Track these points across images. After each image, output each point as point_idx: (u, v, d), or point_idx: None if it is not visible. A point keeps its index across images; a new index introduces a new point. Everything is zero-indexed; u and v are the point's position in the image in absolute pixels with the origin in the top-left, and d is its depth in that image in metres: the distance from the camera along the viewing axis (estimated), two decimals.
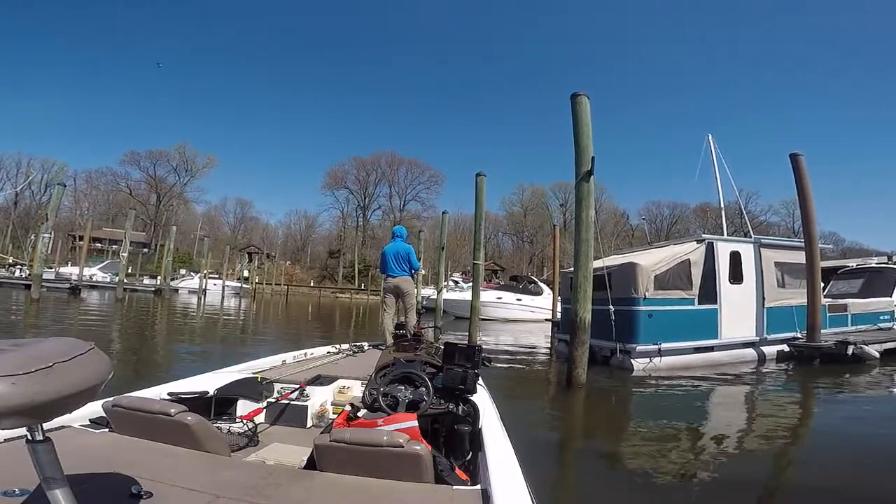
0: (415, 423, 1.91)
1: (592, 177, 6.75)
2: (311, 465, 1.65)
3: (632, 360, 7.98)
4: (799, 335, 9.51)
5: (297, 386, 2.96)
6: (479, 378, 2.93)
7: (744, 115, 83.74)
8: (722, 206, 12.90)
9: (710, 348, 8.74)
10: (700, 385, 7.35)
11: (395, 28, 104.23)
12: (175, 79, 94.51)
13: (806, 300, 9.34)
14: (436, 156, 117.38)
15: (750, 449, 4.50)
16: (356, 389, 3.17)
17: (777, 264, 9.77)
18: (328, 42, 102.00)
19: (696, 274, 8.70)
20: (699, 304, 8.70)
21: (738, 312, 9.06)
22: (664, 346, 8.12)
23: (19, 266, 34.70)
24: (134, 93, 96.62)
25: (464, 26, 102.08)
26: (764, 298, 9.39)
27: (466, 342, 9.23)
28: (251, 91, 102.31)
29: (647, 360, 8.04)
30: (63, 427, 1.79)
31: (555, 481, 3.68)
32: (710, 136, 12.44)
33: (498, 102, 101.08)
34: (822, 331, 9.22)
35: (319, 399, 2.98)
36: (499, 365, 9.35)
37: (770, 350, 9.33)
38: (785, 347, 9.43)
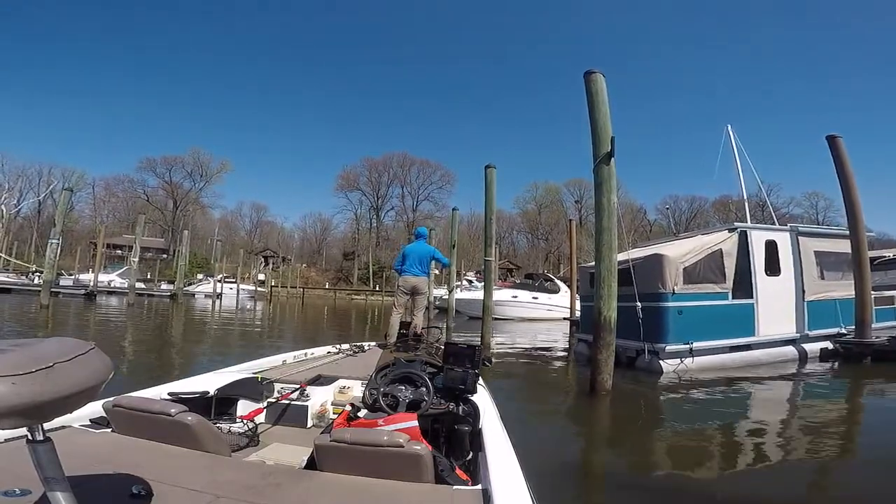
0: (415, 423, 1.90)
1: (613, 159, 6.10)
2: (312, 465, 1.65)
3: (661, 362, 7.28)
4: (844, 331, 8.71)
5: (298, 386, 2.97)
6: (480, 378, 2.91)
7: (754, 112, 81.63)
8: (745, 196, 12.12)
9: (747, 347, 7.99)
10: (737, 388, 6.65)
11: (404, 28, 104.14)
12: (185, 83, 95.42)
13: (850, 293, 8.58)
14: (447, 156, 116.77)
15: (798, 463, 3.87)
16: (356, 389, 3.14)
17: (817, 254, 8.97)
18: (336, 43, 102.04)
19: (730, 265, 7.96)
20: (733, 298, 7.97)
21: (776, 307, 8.29)
22: (696, 345, 7.41)
23: (39, 273, 35.25)
24: (145, 97, 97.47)
25: (473, 26, 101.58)
26: (804, 291, 8.60)
27: (479, 342, 8.70)
28: (261, 94, 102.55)
29: (678, 361, 7.33)
30: (63, 427, 1.79)
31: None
32: (730, 127, 11.72)
33: (509, 102, 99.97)
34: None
35: (320, 399, 2.99)
36: (514, 366, 8.78)
37: (812, 347, 8.55)
38: (829, 345, 8.64)
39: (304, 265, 65.83)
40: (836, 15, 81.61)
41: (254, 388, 2.94)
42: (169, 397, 2.39)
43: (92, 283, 30.13)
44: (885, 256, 13.77)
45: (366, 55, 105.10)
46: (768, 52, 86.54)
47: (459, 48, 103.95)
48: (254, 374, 3.11)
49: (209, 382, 2.83)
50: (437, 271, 27.60)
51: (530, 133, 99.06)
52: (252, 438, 2.45)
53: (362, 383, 3.10)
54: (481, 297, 11.65)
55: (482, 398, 2.66)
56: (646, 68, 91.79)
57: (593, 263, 6.53)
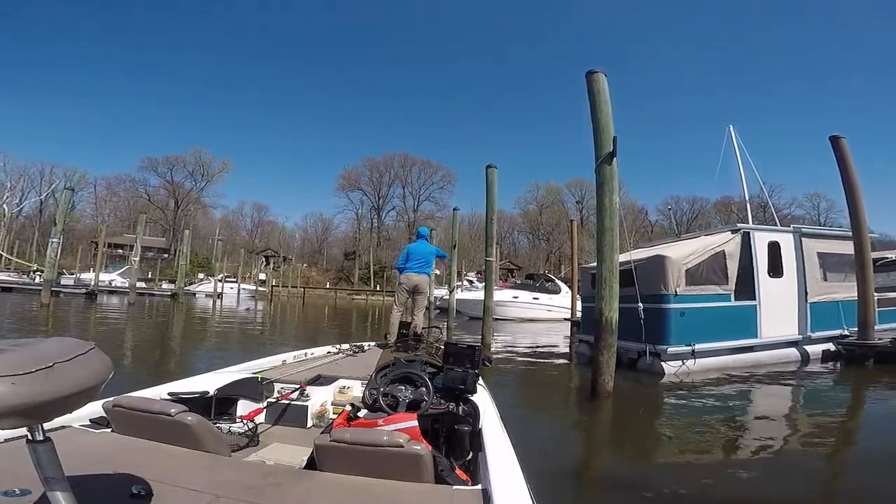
0: (415, 423, 1.90)
1: (615, 159, 6.06)
2: (312, 465, 1.65)
3: (662, 364, 7.23)
4: (847, 332, 8.65)
5: (298, 386, 2.97)
6: (480, 378, 2.90)
7: (754, 112, 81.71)
8: (746, 197, 12.10)
9: (749, 348, 7.94)
10: (739, 390, 6.62)
11: (404, 28, 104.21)
12: (185, 83, 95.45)
13: (852, 294, 8.52)
14: (448, 156, 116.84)
15: (800, 466, 3.83)
16: (356, 389, 3.13)
17: (820, 255, 8.92)
18: (336, 43, 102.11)
19: (732, 267, 7.92)
20: (736, 300, 7.92)
21: (778, 309, 8.24)
22: (698, 346, 7.37)
23: (40, 272, 35.29)
24: (145, 97, 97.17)
25: (473, 26, 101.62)
26: (807, 293, 8.54)
27: (479, 343, 8.68)
28: (261, 94, 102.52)
29: (680, 362, 7.28)
30: (63, 427, 1.79)
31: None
32: (732, 128, 11.67)
33: (509, 102, 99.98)
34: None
35: (320, 399, 2.99)
36: (515, 367, 8.74)
37: (815, 349, 8.49)
38: (831, 346, 8.58)
39: (305, 265, 65.76)
40: (836, 15, 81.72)
41: (254, 388, 2.93)
42: (169, 397, 2.39)
43: (93, 283, 30.13)
44: (888, 258, 13.71)
45: (366, 55, 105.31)
46: (768, 52, 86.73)
47: (459, 48, 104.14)
48: (254, 374, 3.10)
49: (209, 382, 2.83)
50: (437, 271, 27.62)
51: (531, 133, 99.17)
52: (252, 438, 2.45)
53: (362, 383, 3.09)
54: (482, 297, 11.63)
55: (482, 398, 2.65)
56: (646, 68, 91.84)
57: (595, 264, 6.49)
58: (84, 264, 44.42)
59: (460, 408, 2.46)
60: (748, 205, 12.11)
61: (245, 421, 2.63)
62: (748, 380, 7.05)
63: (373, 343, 5.18)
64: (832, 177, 9.14)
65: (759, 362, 7.89)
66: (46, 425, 0.83)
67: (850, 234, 8.81)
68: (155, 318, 17.80)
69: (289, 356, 4.13)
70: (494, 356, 8.97)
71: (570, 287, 18.53)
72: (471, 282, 31.41)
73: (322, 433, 1.81)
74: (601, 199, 6.16)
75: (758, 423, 5.34)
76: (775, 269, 8.39)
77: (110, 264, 44.31)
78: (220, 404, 2.80)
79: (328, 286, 58.96)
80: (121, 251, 56.29)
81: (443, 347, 3.24)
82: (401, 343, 5.17)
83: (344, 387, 3.23)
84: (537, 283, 24.03)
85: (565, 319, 17.89)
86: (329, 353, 4.57)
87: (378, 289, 51.78)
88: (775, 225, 10.03)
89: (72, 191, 19.39)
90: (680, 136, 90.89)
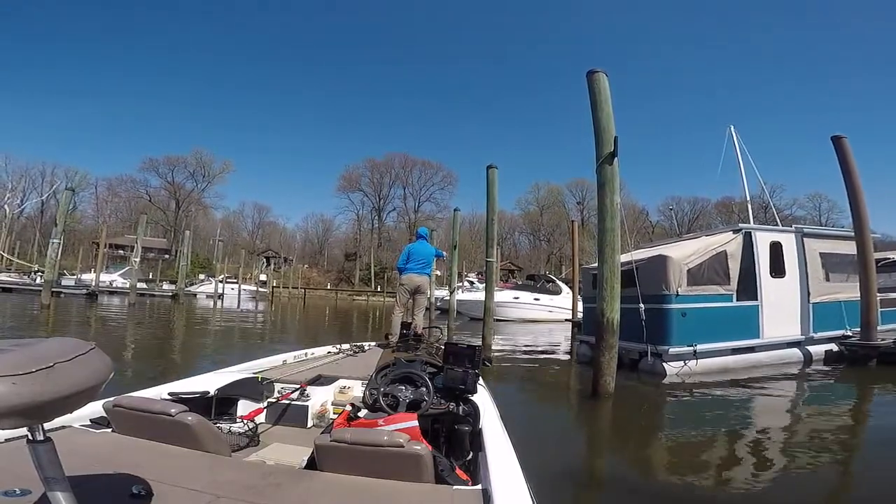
0: (415, 423, 1.90)
1: (616, 159, 6.04)
2: (312, 465, 1.65)
3: (664, 364, 7.20)
4: (849, 333, 8.62)
5: (298, 386, 2.97)
6: (480, 378, 2.90)
7: (754, 112, 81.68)
8: (748, 197, 12.07)
9: (751, 349, 7.90)
10: (741, 391, 6.57)
11: (404, 28, 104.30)
12: (185, 83, 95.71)
13: (855, 295, 8.49)
14: (448, 156, 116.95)
15: (801, 468, 3.80)
16: (357, 389, 3.13)
17: (822, 255, 8.89)
18: (336, 43, 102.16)
19: (734, 267, 7.89)
20: (737, 300, 7.89)
21: (780, 309, 8.21)
22: (700, 347, 7.33)
23: (41, 273, 35.32)
24: (145, 97, 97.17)
25: (473, 26, 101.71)
26: (809, 293, 8.52)
27: (480, 343, 8.67)
28: (261, 94, 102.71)
29: (681, 363, 7.24)
30: (64, 427, 1.79)
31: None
32: (732, 128, 11.63)
33: (509, 102, 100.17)
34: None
35: (320, 399, 2.99)
36: (515, 367, 8.72)
37: (817, 350, 8.45)
38: (834, 347, 8.54)
39: (306, 266, 65.72)
40: (836, 15, 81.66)
41: (254, 388, 2.93)
42: (169, 397, 2.39)
43: (94, 283, 30.17)
44: (890, 258, 13.67)
45: (366, 55, 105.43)
46: (768, 52, 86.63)
47: (459, 48, 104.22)
48: (254, 374, 3.10)
49: (209, 382, 2.83)
50: (438, 272, 27.61)
51: (531, 133, 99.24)
52: (252, 438, 2.45)
53: (362, 383, 3.09)
54: (483, 298, 11.61)
55: (482, 398, 2.65)
56: (646, 68, 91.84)
57: (595, 264, 6.47)
58: (85, 265, 44.48)
59: (460, 408, 2.46)
60: (749, 205, 12.08)
61: (245, 421, 2.63)
62: (750, 381, 7.01)
63: (373, 343, 5.18)
64: (833, 177, 9.14)
65: (761, 363, 7.85)
66: (46, 425, 0.83)
67: (853, 234, 8.78)
68: (156, 319, 17.80)
69: (289, 356, 4.12)
70: (495, 356, 8.95)
71: (571, 288, 18.51)
72: (471, 283, 31.37)
73: (322, 433, 1.80)
74: (602, 199, 6.14)
75: (759, 424, 5.31)
76: (777, 270, 8.36)
77: (111, 265, 44.35)
78: (220, 404, 2.79)
79: (329, 287, 58.91)
80: (122, 252, 56.27)
81: (443, 347, 3.24)
82: (401, 343, 5.16)
83: (344, 387, 3.22)
84: (538, 283, 23.98)
85: (566, 320, 17.88)
86: (329, 353, 4.57)
87: (379, 290, 51.74)
88: (777, 225, 10.01)
89: (73, 191, 19.46)
90: (680, 136, 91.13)
